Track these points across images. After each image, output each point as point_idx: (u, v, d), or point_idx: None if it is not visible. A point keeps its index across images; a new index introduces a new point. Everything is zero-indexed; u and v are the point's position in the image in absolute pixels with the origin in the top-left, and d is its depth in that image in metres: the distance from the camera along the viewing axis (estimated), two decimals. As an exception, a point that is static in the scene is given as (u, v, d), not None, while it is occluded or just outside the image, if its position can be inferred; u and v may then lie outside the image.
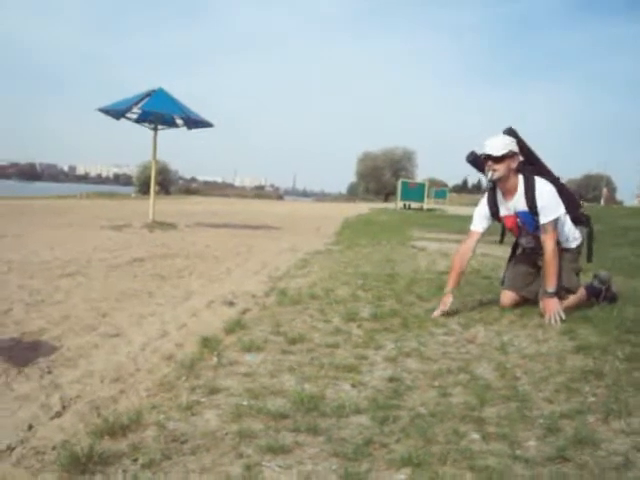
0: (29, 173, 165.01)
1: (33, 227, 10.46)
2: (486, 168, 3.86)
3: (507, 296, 4.12)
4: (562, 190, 3.92)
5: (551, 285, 3.74)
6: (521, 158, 3.87)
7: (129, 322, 3.85)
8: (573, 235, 3.98)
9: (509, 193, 3.92)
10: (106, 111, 11.72)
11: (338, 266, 6.42)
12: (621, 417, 2.13)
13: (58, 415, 2.32)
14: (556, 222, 3.82)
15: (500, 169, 3.81)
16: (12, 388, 2.60)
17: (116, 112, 11.83)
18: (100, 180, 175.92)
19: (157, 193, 28.59)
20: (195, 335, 3.45)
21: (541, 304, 3.82)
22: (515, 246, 4.33)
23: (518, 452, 1.86)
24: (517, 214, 3.95)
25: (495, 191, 4.01)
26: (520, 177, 3.88)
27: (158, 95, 11.42)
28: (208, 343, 3.16)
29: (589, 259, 4.13)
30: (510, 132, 3.91)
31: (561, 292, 3.80)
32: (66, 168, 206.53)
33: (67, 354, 3.11)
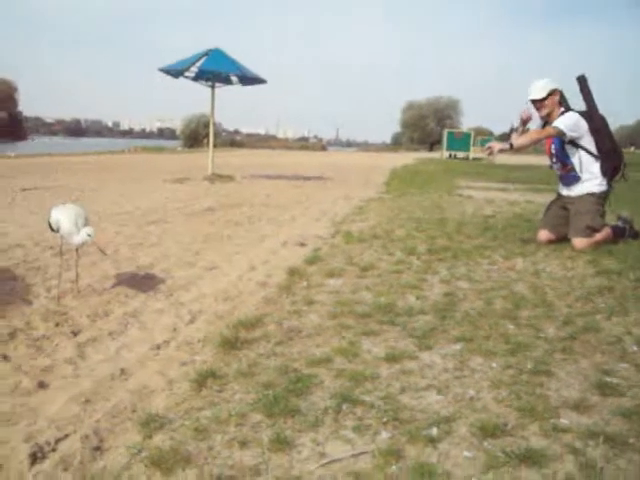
0: (75, 129, 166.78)
1: (103, 182, 11.34)
2: (536, 109, 4.78)
3: (542, 234, 4.82)
4: (602, 137, 4.60)
5: (515, 140, 4.69)
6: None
7: (220, 259, 4.64)
8: (600, 180, 4.61)
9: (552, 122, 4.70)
10: (166, 71, 12.50)
11: (392, 212, 7.13)
12: (620, 316, 2.85)
13: (192, 322, 3.13)
14: (560, 132, 4.57)
15: (546, 107, 4.70)
16: (148, 305, 3.41)
17: (176, 71, 12.58)
18: (144, 135, 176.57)
19: (205, 146, 29.34)
20: (279, 268, 4.21)
21: (571, 242, 4.52)
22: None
23: (541, 335, 2.64)
24: (553, 139, 4.75)
25: (547, 124, 4.81)
26: (562, 110, 4.67)
27: (215, 54, 12.11)
28: (295, 272, 3.94)
29: None
30: (581, 79, 4.69)
31: (586, 230, 4.49)
32: (110, 124, 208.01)
33: (179, 282, 3.92)
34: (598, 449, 1.64)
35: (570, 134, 4.53)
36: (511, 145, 4.55)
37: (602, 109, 4.67)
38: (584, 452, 1.64)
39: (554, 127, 4.54)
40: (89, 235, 3.37)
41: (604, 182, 4.61)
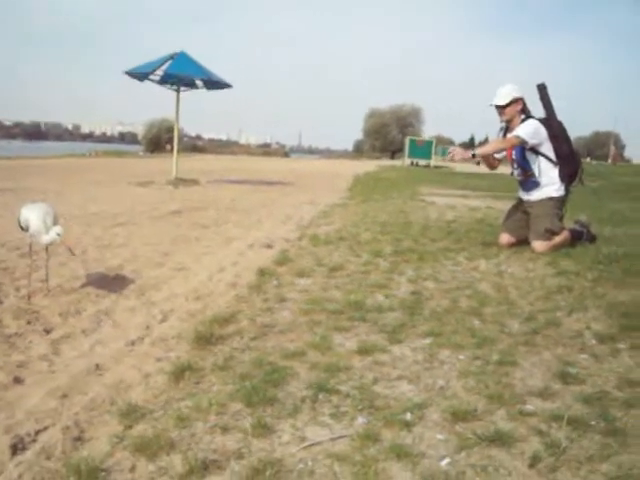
0: (34, 133, 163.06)
1: (66, 185, 11.19)
2: (498, 114, 4.91)
3: (503, 237, 4.98)
4: (560, 144, 4.78)
5: (479, 149, 4.87)
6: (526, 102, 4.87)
7: (189, 260, 4.67)
8: (558, 185, 4.78)
9: (513, 129, 4.84)
10: (132, 74, 12.43)
11: (357, 216, 7.24)
12: (580, 312, 2.99)
13: (164, 320, 3.17)
14: (522, 141, 4.71)
15: (507, 113, 4.84)
16: (119, 304, 3.45)
17: (141, 75, 12.53)
18: (105, 138, 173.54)
19: (168, 151, 29.09)
20: (248, 269, 4.26)
21: (531, 245, 4.69)
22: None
23: (505, 329, 2.76)
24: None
25: (508, 130, 4.96)
26: (522, 117, 4.83)
27: (181, 58, 12.09)
28: (265, 272, 4.00)
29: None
30: (541, 87, 4.84)
31: (546, 234, 4.66)
32: (70, 127, 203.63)
33: (150, 282, 3.95)
34: (562, 431, 1.75)
35: (531, 141, 4.69)
36: (474, 154, 4.69)
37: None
38: (549, 433, 1.74)
39: (516, 136, 4.68)
40: (58, 234, 3.38)
41: (562, 187, 4.78)
